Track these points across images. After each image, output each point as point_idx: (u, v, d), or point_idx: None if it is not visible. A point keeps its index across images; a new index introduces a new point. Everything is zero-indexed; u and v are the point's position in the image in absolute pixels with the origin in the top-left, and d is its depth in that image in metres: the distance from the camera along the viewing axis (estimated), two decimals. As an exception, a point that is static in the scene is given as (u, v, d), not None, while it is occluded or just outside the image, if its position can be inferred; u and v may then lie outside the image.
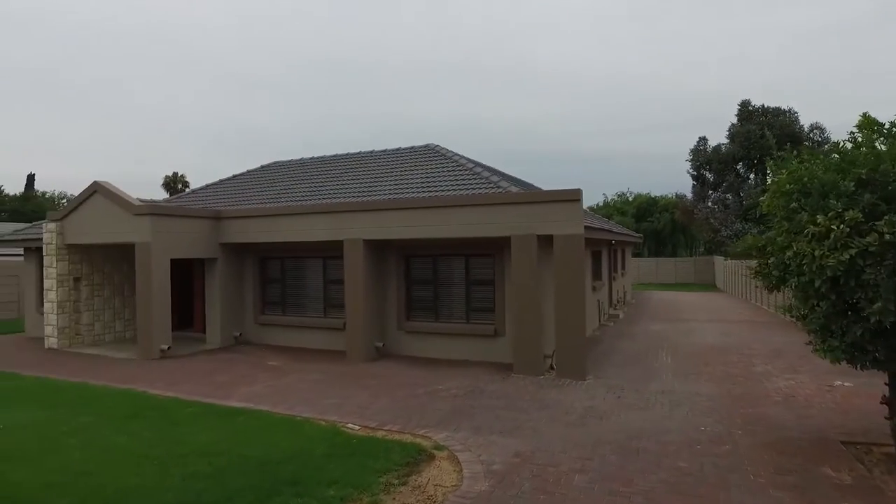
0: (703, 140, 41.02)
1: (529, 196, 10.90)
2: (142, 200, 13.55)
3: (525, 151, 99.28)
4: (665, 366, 11.13)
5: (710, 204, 39.80)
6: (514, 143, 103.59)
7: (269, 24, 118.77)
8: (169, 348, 12.60)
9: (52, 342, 13.99)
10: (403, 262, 12.93)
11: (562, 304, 10.25)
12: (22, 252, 18.22)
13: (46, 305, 14.15)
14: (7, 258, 21.87)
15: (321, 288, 14.08)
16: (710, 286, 37.32)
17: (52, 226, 14.01)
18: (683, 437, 6.76)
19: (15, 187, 57.65)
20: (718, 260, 36.99)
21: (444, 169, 14.55)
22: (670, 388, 9.25)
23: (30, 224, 21.13)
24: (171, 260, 12.58)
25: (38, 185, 59.19)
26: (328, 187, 15.24)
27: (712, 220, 38.10)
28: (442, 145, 16.53)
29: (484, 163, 16.42)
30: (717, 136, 54.96)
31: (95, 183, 13.33)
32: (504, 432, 7.03)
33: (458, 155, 15.55)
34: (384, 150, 17.72)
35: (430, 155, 16.00)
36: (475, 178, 13.23)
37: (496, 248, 11.76)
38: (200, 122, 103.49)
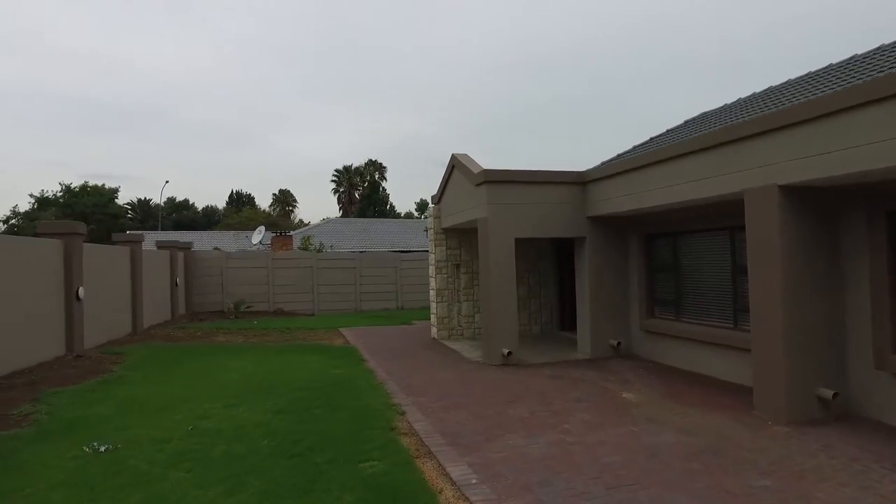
0: None
1: None
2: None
3: None
4: None
5: None
6: None
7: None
8: (510, 353, 9.75)
9: (433, 332, 13.26)
10: (882, 229, 6.31)
11: None
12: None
13: (430, 293, 13.52)
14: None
15: (728, 280, 8.59)
16: None
17: (432, 209, 13.31)
18: None
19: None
20: None
21: None
22: None
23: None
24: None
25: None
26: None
27: None
28: None
29: None
30: None
31: (453, 156, 11.76)
32: None
33: None
34: (836, 64, 10.06)
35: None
36: None
37: None
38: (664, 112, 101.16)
